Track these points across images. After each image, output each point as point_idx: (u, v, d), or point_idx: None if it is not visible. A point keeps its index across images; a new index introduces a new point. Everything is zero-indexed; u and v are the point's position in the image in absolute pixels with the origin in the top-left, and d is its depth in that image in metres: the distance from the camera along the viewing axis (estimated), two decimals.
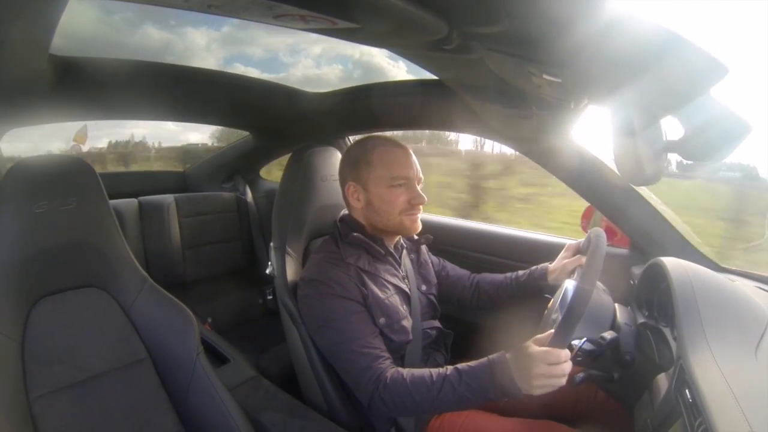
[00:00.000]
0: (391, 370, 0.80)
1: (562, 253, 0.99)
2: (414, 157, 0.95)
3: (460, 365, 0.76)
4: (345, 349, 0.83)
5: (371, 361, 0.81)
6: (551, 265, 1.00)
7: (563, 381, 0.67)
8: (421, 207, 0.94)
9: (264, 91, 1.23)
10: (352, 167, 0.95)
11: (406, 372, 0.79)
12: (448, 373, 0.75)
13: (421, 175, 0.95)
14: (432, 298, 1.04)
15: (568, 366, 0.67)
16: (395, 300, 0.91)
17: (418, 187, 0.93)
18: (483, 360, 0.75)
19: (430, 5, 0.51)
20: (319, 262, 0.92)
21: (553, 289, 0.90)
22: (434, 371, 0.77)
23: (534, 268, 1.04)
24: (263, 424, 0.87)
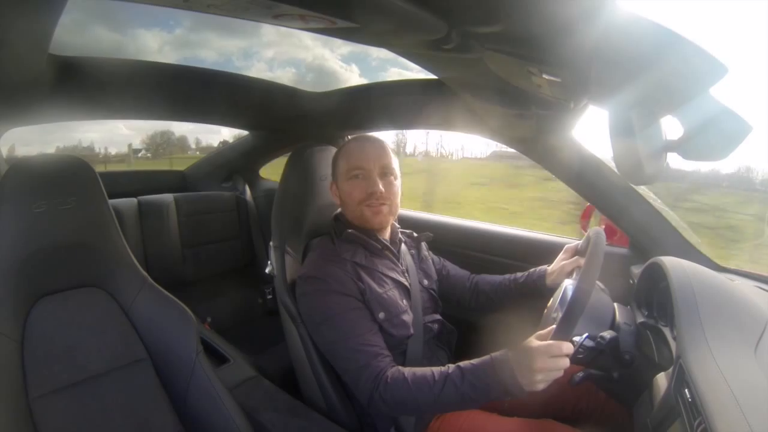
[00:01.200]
0: (392, 369, 0.79)
1: (560, 255, 0.99)
2: (383, 151, 0.93)
3: (462, 363, 0.76)
4: (343, 346, 0.83)
5: (370, 359, 0.80)
6: (549, 267, 1.00)
7: (561, 372, 0.67)
8: (386, 200, 0.91)
9: (264, 91, 1.23)
10: (332, 166, 0.99)
11: (408, 370, 0.78)
12: (450, 371, 0.75)
13: (391, 171, 0.93)
14: (433, 292, 1.04)
15: (568, 358, 0.67)
16: (394, 294, 0.91)
17: (393, 182, 0.92)
18: (485, 357, 0.74)
19: (429, 5, 0.51)
20: (315, 260, 0.92)
21: (552, 292, 0.90)
22: (436, 369, 0.76)
23: (532, 270, 1.04)
24: (263, 423, 0.87)
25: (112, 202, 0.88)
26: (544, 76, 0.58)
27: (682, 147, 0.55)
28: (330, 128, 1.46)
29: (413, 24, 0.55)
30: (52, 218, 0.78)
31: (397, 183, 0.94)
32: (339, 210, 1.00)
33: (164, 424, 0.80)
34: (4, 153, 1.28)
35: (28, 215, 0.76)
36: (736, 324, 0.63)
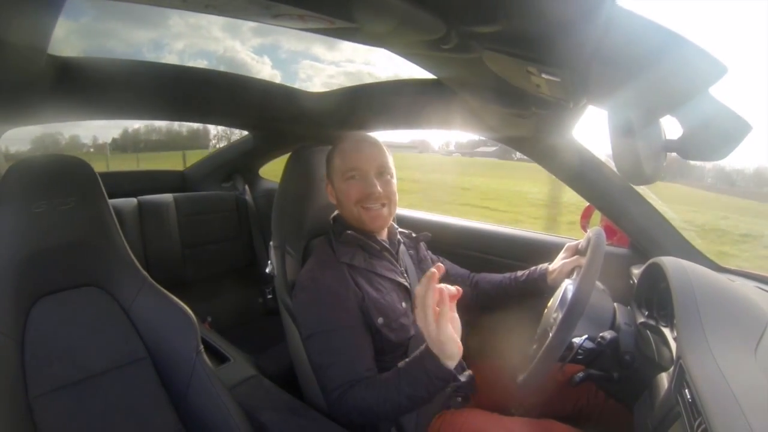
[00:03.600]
0: (358, 386, 0.80)
1: (560, 254, 1.00)
2: (378, 150, 0.93)
3: (400, 363, 0.77)
4: (328, 361, 0.83)
5: (344, 383, 0.80)
6: (550, 266, 1.00)
7: (431, 307, 0.67)
8: (384, 200, 0.91)
9: (264, 91, 1.23)
10: (326, 166, 0.98)
11: (369, 381, 0.79)
12: (391, 375, 0.76)
13: (388, 170, 0.92)
14: None
15: (429, 298, 0.67)
16: (392, 298, 0.91)
17: (390, 181, 0.92)
18: (415, 352, 0.75)
19: (428, 5, 0.51)
20: (312, 267, 0.92)
21: (552, 290, 0.90)
22: (386, 374, 0.78)
23: (533, 268, 1.04)
24: (263, 423, 0.87)
25: (112, 202, 0.88)
26: (544, 75, 0.58)
27: (682, 147, 0.55)
28: (330, 128, 1.45)
29: (412, 24, 0.55)
30: (52, 218, 0.78)
31: (394, 181, 0.94)
32: (337, 211, 1.00)
33: (164, 423, 0.80)
34: None
35: (28, 215, 0.76)
36: (736, 324, 0.63)
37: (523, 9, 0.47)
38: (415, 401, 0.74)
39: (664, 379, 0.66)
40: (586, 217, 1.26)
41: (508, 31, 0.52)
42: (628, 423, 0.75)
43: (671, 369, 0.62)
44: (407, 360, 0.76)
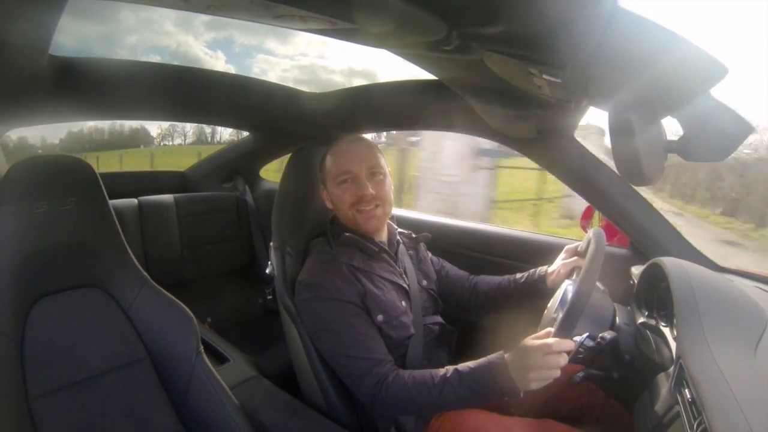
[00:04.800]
0: (393, 373, 0.81)
1: (560, 256, 0.99)
2: (369, 151, 0.92)
3: (460, 366, 0.77)
4: (344, 353, 0.84)
5: (372, 366, 0.82)
6: (549, 268, 1.00)
7: (558, 372, 0.68)
8: (378, 201, 0.91)
9: (264, 91, 1.23)
10: (320, 171, 0.98)
11: (408, 374, 0.80)
12: (448, 375, 0.77)
13: (380, 169, 0.92)
14: (432, 292, 1.04)
15: (564, 357, 0.68)
16: (392, 296, 0.91)
17: (382, 181, 0.92)
18: (482, 360, 0.76)
19: (429, 6, 0.51)
20: (313, 266, 0.92)
21: (552, 292, 0.90)
22: (435, 372, 0.78)
23: (532, 271, 1.04)
24: (263, 423, 0.87)
25: (112, 202, 0.88)
26: (545, 77, 0.58)
27: (682, 147, 0.55)
28: (330, 128, 1.45)
29: (413, 25, 0.55)
30: (53, 218, 0.78)
31: (387, 180, 0.94)
32: (334, 213, 1.00)
33: (164, 424, 0.80)
34: None
35: (29, 215, 0.76)
36: (736, 324, 0.63)
37: (524, 10, 0.47)
38: (466, 404, 0.78)
39: (664, 379, 0.66)
40: (586, 217, 1.26)
41: (510, 33, 0.52)
42: (628, 423, 0.75)
43: (671, 369, 0.62)
44: (470, 365, 0.77)
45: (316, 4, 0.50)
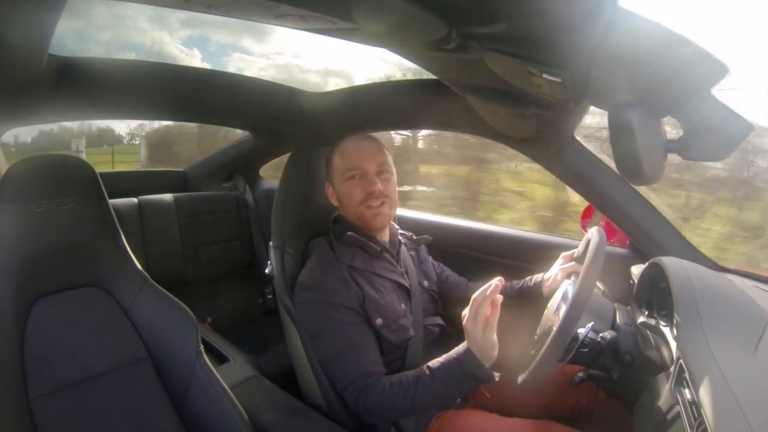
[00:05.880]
0: (376, 382, 0.81)
1: (557, 262, 0.99)
2: (377, 148, 0.93)
3: (431, 362, 0.79)
4: (336, 359, 0.85)
5: (358, 377, 0.83)
6: (546, 275, 0.99)
7: (487, 309, 0.72)
8: (385, 198, 0.92)
9: (264, 91, 1.23)
10: (326, 168, 0.99)
11: (386, 380, 0.81)
12: (421, 374, 0.78)
13: (387, 167, 0.93)
14: (433, 293, 1.04)
15: (484, 306, 0.72)
16: (392, 298, 0.91)
17: (390, 179, 0.93)
18: (450, 353, 0.78)
19: (429, 5, 0.51)
20: (313, 267, 0.92)
21: (547, 299, 0.89)
22: (410, 373, 0.80)
23: (528, 278, 1.03)
24: (263, 423, 0.87)
25: (112, 202, 0.88)
26: (545, 76, 0.58)
27: (682, 147, 0.55)
28: (330, 128, 1.45)
29: (413, 24, 0.55)
30: (53, 218, 0.78)
31: (394, 179, 0.95)
32: (338, 212, 1.00)
33: (164, 424, 0.80)
34: None
35: (29, 215, 0.76)
36: (736, 324, 0.63)
37: (524, 10, 0.47)
38: (444, 399, 0.79)
39: (664, 379, 0.65)
40: (586, 217, 1.26)
41: (510, 32, 0.52)
42: (628, 423, 0.75)
43: (671, 369, 0.62)
44: (440, 360, 0.78)
45: (317, 3, 0.50)
